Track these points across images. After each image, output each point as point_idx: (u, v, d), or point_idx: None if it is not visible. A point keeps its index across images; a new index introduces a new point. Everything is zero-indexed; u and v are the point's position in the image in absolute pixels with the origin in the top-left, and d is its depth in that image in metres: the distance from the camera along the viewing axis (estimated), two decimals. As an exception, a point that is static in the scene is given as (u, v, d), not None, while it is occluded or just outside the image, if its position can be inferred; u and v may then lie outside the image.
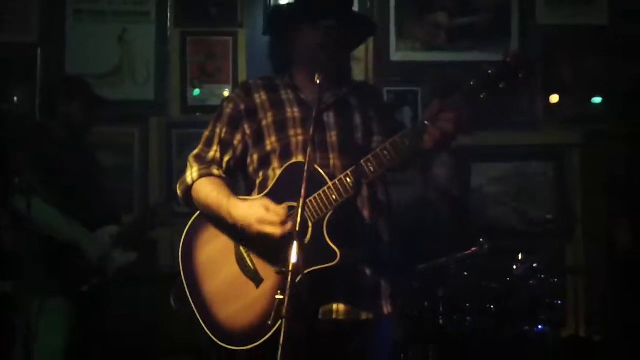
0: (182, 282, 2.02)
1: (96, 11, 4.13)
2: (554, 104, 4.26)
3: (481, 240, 3.02)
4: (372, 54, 4.23)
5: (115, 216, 3.26)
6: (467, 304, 2.99)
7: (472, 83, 1.82)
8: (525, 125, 4.23)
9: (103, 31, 4.13)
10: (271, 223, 1.81)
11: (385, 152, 1.85)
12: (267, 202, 1.86)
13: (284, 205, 1.83)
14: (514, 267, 3.07)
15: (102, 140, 3.95)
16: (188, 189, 2.07)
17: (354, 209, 1.97)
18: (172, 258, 3.92)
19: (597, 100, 4.26)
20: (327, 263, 1.82)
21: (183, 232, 2.09)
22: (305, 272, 1.78)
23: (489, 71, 1.81)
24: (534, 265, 3.07)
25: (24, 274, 2.95)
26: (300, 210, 1.62)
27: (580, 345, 3.58)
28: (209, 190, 2.00)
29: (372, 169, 1.86)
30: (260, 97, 2.08)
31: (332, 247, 1.83)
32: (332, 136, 2.01)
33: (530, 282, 3.02)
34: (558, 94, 4.22)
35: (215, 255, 2.00)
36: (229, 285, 1.94)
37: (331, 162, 1.98)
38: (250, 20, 4.19)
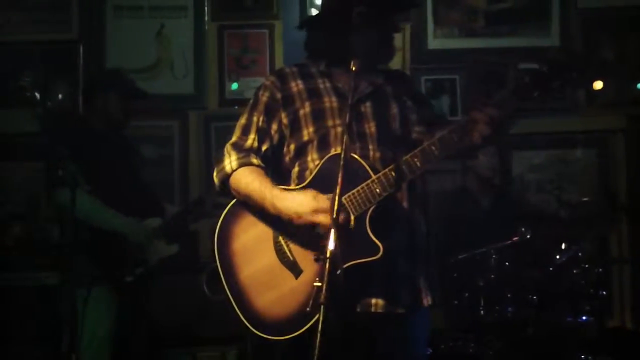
0: (217, 269, 2.02)
1: (135, 7, 4.18)
2: (599, 89, 4.16)
3: (523, 229, 2.97)
4: (409, 42, 4.19)
5: (158, 208, 3.31)
6: (508, 294, 2.95)
7: (526, 81, 1.81)
8: (567, 111, 4.14)
9: (142, 27, 4.17)
10: (324, 212, 1.79)
11: (433, 148, 1.85)
12: (314, 192, 1.86)
13: (329, 196, 1.79)
14: (557, 256, 3.01)
15: (143, 134, 4.02)
16: (227, 177, 2.04)
17: (394, 201, 1.95)
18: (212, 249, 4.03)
19: (640, 85, 4.15)
20: (370, 257, 1.82)
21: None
22: (347, 265, 1.79)
23: (544, 69, 1.80)
24: (577, 254, 3.00)
25: (69, 265, 3.02)
26: (337, 198, 1.62)
27: (626, 337, 3.50)
28: (249, 180, 1.98)
29: (418, 164, 1.86)
30: (297, 86, 2.07)
31: (374, 241, 1.82)
32: (371, 127, 2.00)
33: (574, 271, 2.96)
34: (600, 78, 4.11)
35: (252, 243, 2.00)
36: (266, 274, 1.94)
37: (370, 153, 1.97)
38: (286, 12, 4.19)
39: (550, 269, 3.00)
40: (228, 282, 1.99)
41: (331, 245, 1.56)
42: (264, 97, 2.08)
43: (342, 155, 1.69)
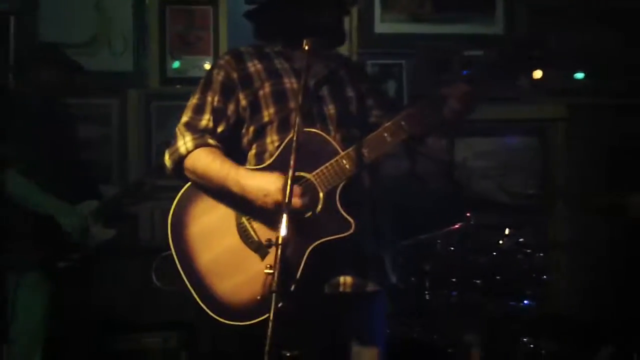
0: (172, 255, 1.93)
1: (71, -23, 3.99)
2: (539, 78, 4.23)
3: (468, 215, 2.99)
4: (356, 26, 4.14)
5: (94, 190, 3.18)
6: (453, 279, 2.97)
7: (488, 60, 1.90)
8: (510, 99, 4.20)
9: (78, -1, 3.99)
10: (293, 194, 1.72)
11: (403, 123, 1.85)
12: (279, 173, 1.81)
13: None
14: (500, 241, 3.05)
15: (80, 112, 3.83)
16: (181, 158, 1.96)
17: (358, 180, 1.94)
18: (152, 232, 3.91)
19: (579, 75, 4.24)
20: (342, 233, 1.81)
21: (168, 205, 1.99)
22: (318, 242, 1.80)
23: (505, 49, 1.88)
24: (520, 240, 3.05)
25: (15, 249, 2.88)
26: (290, 181, 1.57)
27: (558, 322, 3.59)
28: (208, 161, 1.91)
29: (388, 138, 1.85)
30: (254, 66, 2.00)
31: (346, 217, 1.81)
32: (330, 109, 1.98)
33: (517, 256, 3.00)
34: (543, 67, 4.18)
35: (212, 226, 1.93)
36: (229, 258, 1.88)
37: (332, 134, 1.94)
38: (231, -11, 4.08)
39: (495, 254, 3.03)
40: (185, 269, 1.91)
41: (283, 231, 1.51)
42: (219, 77, 2.00)
43: (295, 138, 1.63)
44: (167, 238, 1.94)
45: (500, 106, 4.18)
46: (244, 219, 1.90)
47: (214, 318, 1.84)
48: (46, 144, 2.95)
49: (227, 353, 2.33)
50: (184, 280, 1.90)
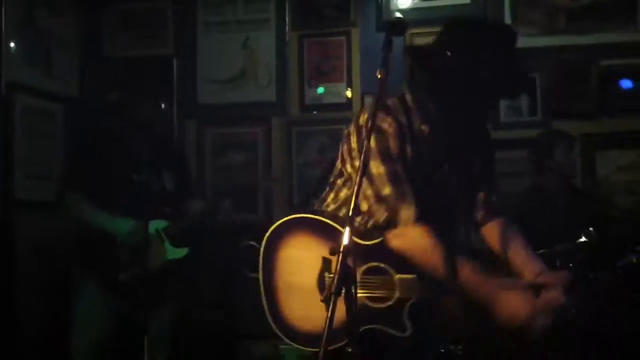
0: (256, 248, 2.16)
1: (222, 22, 4.47)
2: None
3: (589, 230, 2.90)
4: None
5: (169, 211, 3.20)
6: (572, 296, 2.88)
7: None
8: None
9: (229, 40, 4.45)
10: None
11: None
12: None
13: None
14: (626, 258, 2.91)
15: (230, 139, 4.36)
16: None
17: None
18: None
19: None
20: None
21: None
22: None
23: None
24: (647, 256, 2.88)
25: (74, 260, 3.21)
26: (355, 195, 1.71)
27: None
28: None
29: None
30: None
31: None
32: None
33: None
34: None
35: (299, 260, 2.12)
36: (301, 292, 2.09)
37: None
38: (363, 19, 4.31)
39: (620, 271, 2.90)
40: (265, 284, 2.14)
41: (345, 240, 1.66)
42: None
43: (360, 169, 1.80)
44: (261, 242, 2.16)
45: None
46: (326, 274, 2.05)
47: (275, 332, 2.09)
48: (116, 166, 3.10)
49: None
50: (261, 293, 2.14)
